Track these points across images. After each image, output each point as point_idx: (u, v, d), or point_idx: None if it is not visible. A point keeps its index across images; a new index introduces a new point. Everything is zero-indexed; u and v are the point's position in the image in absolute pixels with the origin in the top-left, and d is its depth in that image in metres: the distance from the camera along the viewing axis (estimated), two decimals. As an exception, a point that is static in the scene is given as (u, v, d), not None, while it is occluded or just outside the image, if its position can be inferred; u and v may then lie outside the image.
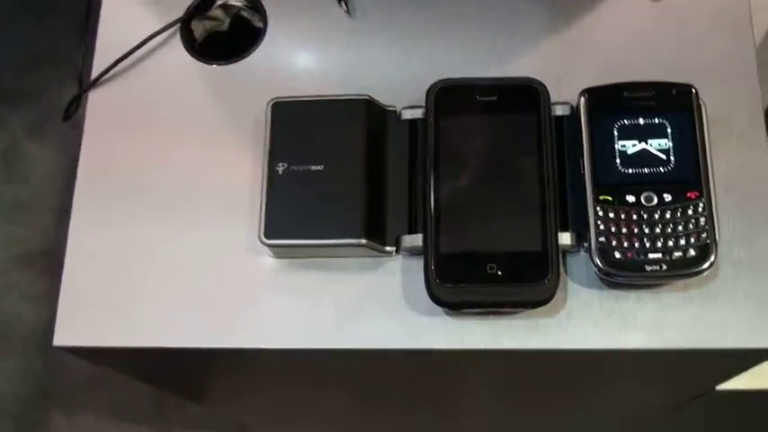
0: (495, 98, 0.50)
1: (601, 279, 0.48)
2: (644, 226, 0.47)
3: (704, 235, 0.46)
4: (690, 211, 0.47)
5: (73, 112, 0.57)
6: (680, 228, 0.47)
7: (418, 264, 0.48)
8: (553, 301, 0.47)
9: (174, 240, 0.52)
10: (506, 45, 0.55)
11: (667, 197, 0.47)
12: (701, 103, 0.49)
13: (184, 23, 0.56)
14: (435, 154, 0.48)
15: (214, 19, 0.57)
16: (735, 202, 0.50)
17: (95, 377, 1.33)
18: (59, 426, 1.34)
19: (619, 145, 0.48)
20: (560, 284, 0.47)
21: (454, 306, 0.48)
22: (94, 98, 0.56)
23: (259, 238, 0.48)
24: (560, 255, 0.47)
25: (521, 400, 0.74)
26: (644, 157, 0.48)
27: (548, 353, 0.48)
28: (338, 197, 0.48)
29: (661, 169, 0.48)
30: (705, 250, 0.46)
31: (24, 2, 1.57)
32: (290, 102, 0.51)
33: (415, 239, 0.48)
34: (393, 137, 0.51)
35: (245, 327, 0.50)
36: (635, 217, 0.47)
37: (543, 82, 0.50)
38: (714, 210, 0.47)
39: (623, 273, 0.47)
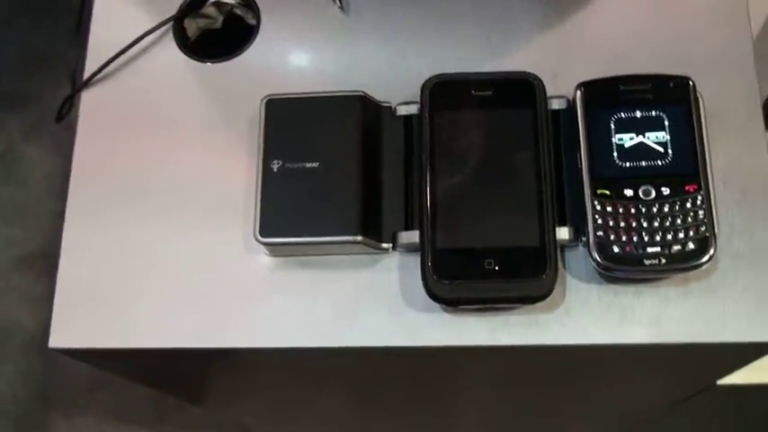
0: (490, 93, 0.49)
1: (599, 274, 0.48)
2: (642, 220, 0.46)
3: (703, 228, 0.46)
4: (688, 205, 0.46)
5: (66, 112, 0.56)
6: (678, 221, 0.46)
7: (415, 260, 0.48)
8: (551, 296, 0.46)
9: (168, 240, 0.52)
10: (501, 40, 0.54)
11: (665, 190, 0.47)
12: (699, 95, 0.49)
13: (177, 21, 0.56)
14: (431, 150, 0.48)
15: (207, 17, 0.57)
16: (733, 194, 0.50)
17: (95, 379, 1.33)
18: (59, 428, 1.34)
19: (616, 138, 0.48)
20: (558, 280, 0.46)
21: (452, 302, 0.47)
22: (87, 98, 0.56)
23: (254, 236, 0.48)
24: (558, 250, 0.47)
25: (520, 396, 0.74)
26: (641, 151, 0.48)
27: (546, 348, 0.48)
28: (334, 194, 0.48)
29: (659, 162, 0.47)
30: (704, 243, 0.46)
31: (21, 4, 1.57)
32: (284, 99, 0.50)
33: (412, 236, 0.48)
34: (388, 133, 0.50)
35: (241, 326, 0.50)
36: (633, 211, 0.47)
37: (539, 76, 0.49)
38: (713, 203, 0.47)
39: (622, 267, 0.46)
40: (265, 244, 0.49)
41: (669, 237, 0.46)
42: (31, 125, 1.49)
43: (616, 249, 0.46)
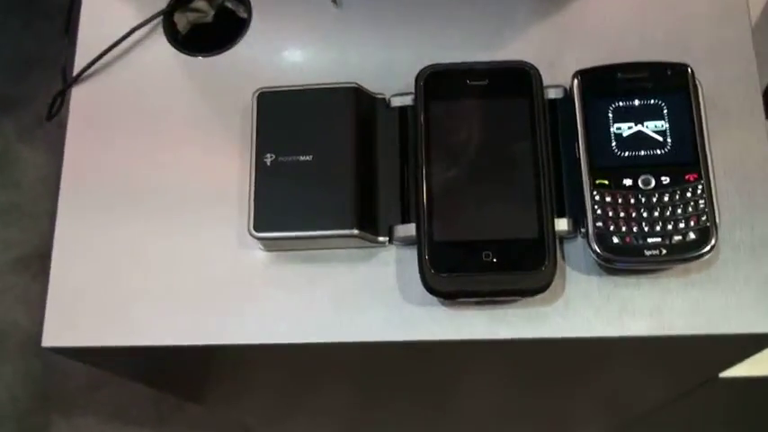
0: (486, 82, 0.49)
1: (599, 265, 0.47)
2: (642, 210, 0.46)
3: (704, 218, 0.45)
4: (689, 194, 0.46)
5: (57, 109, 0.56)
6: (679, 211, 0.46)
7: (412, 253, 0.47)
8: (551, 288, 0.46)
9: (161, 236, 0.51)
10: (496, 30, 0.54)
11: (665, 180, 0.46)
12: (698, 82, 0.48)
13: (167, 16, 0.56)
14: (427, 141, 0.47)
15: (198, 11, 0.56)
16: (734, 184, 0.49)
17: (95, 379, 1.33)
18: (60, 429, 1.34)
19: (614, 127, 0.47)
20: (558, 272, 0.46)
21: (450, 296, 0.47)
22: (78, 94, 0.55)
23: (248, 231, 0.48)
24: (557, 241, 0.47)
25: (520, 390, 0.73)
26: (640, 140, 0.47)
27: (546, 341, 0.48)
28: (328, 188, 0.47)
29: (658, 151, 0.47)
30: (705, 233, 0.45)
31: (11, 6, 1.57)
32: (276, 92, 0.50)
33: (409, 229, 0.48)
34: (383, 125, 0.50)
35: (235, 323, 0.49)
36: (633, 201, 0.46)
37: (535, 65, 0.49)
38: (713, 192, 0.46)
39: (622, 258, 0.46)
40: (260, 239, 0.48)
41: (669, 227, 0.45)
42: (25, 127, 1.49)
43: (616, 240, 0.46)
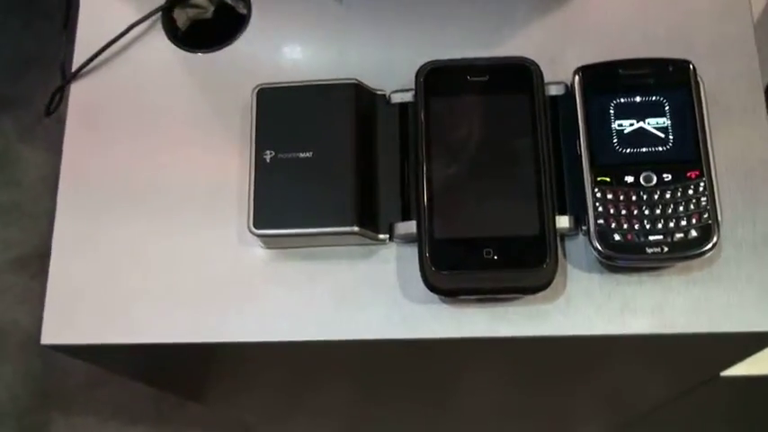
0: (486, 78, 0.48)
1: (600, 263, 0.47)
2: (644, 207, 0.46)
3: (706, 215, 0.45)
4: (690, 191, 0.46)
5: (56, 106, 0.55)
6: (681, 208, 0.45)
7: (413, 251, 0.47)
8: (552, 286, 0.46)
9: (160, 233, 0.51)
10: (497, 26, 0.53)
11: (667, 177, 0.46)
12: (699, 79, 0.48)
13: (166, 11, 0.55)
14: (427, 138, 0.47)
15: (197, 6, 0.56)
16: (736, 181, 0.49)
17: (95, 378, 1.33)
18: (60, 427, 1.34)
19: (616, 124, 0.47)
20: (559, 269, 0.46)
21: (450, 293, 0.47)
22: (77, 90, 0.55)
23: (248, 228, 0.47)
24: (558, 238, 0.47)
25: (521, 388, 0.73)
26: (642, 136, 0.47)
27: (547, 339, 0.47)
28: (328, 185, 0.47)
29: (660, 148, 0.46)
30: (707, 231, 0.45)
31: (11, 6, 1.57)
32: (275, 88, 0.50)
33: (409, 226, 0.47)
34: (383, 121, 0.50)
35: (236, 320, 0.49)
36: (634, 198, 0.46)
37: (536, 61, 0.49)
38: (715, 189, 0.46)
39: (623, 256, 0.46)
40: (259, 236, 0.48)
41: (671, 224, 0.45)
42: (26, 126, 1.49)
43: (617, 238, 0.45)
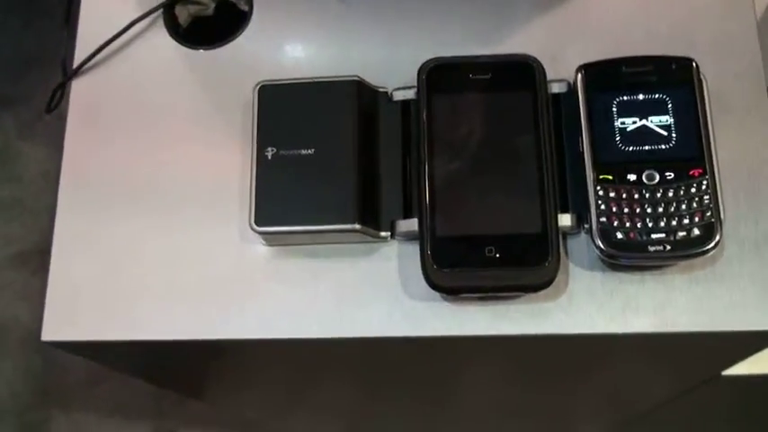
0: (489, 76, 0.48)
1: (603, 261, 0.47)
2: (646, 205, 0.45)
3: (708, 214, 0.45)
4: (693, 189, 0.45)
5: (57, 102, 0.55)
6: (683, 206, 0.45)
7: (414, 249, 0.47)
8: (554, 284, 0.46)
9: (162, 230, 0.51)
10: (499, 25, 0.53)
11: (669, 175, 0.46)
12: (702, 77, 0.48)
13: (168, 8, 0.55)
14: (429, 135, 0.47)
15: (199, 3, 0.56)
16: (739, 179, 0.49)
17: (95, 375, 1.33)
18: (60, 424, 1.34)
19: (618, 122, 0.47)
20: (561, 267, 0.46)
21: (452, 291, 0.47)
22: (78, 87, 0.55)
23: (250, 225, 0.47)
24: (561, 237, 0.46)
25: (523, 386, 0.73)
26: (644, 134, 0.47)
27: (549, 338, 0.47)
28: (330, 182, 0.47)
29: (662, 146, 0.46)
30: (710, 229, 0.45)
31: (11, 5, 1.56)
32: (277, 85, 0.49)
33: (411, 224, 0.47)
34: (385, 119, 0.49)
35: (237, 317, 0.49)
36: (637, 196, 0.46)
37: (538, 59, 0.48)
38: (718, 187, 0.46)
39: (626, 254, 0.45)
40: (261, 233, 0.48)
41: (674, 223, 0.45)
42: (26, 123, 1.48)
43: (620, 236, 0.45)
